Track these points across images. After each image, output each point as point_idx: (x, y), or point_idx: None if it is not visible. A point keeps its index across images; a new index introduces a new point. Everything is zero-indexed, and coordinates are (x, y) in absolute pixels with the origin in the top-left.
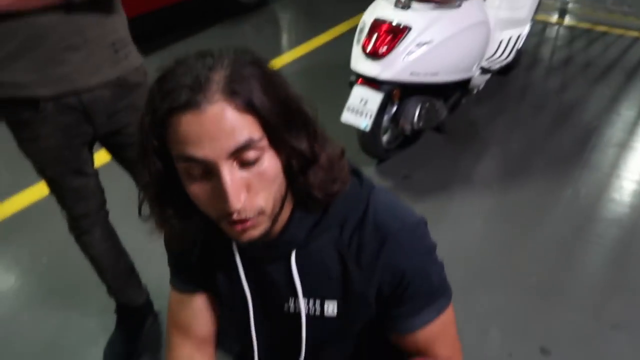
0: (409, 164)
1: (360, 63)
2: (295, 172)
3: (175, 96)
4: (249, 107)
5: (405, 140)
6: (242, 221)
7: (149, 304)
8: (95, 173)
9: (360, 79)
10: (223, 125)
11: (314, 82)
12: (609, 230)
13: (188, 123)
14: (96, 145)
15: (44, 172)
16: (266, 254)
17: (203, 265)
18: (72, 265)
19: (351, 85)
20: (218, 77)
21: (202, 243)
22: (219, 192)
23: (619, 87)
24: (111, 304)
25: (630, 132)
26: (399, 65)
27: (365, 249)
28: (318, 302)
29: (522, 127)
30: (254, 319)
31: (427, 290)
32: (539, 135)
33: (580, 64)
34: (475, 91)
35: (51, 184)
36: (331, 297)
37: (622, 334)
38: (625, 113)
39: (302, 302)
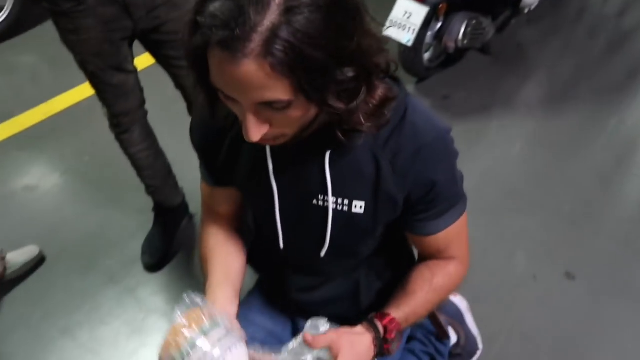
0: (449, 84)
1: None
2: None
3: (215, 27)
4: (286, 70)
5: (447, 59)
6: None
7: (184, 205)
8: (135, 71)
9: None
10: (254, 82)
11: None
12: None
13: (222, 63)
14: (137, 48)
15: (85, 66)
16: (299, 152)
17: (230, 161)
18: (112, 165)
19: None
20: (265, 22)
21: (233, 139)
22: (244, 119)
23: None
24: (149, 204)
25: None
26: None
27: (401, 154)
28: (347, 201)
29: (573, 52)
30: (280, 209)
31: (452, 196)
32: (590, 62)
33: None
34: (526, 10)
35: (93, 79)
36: (360, 198)
37: None
38: None
39: (331, 199)
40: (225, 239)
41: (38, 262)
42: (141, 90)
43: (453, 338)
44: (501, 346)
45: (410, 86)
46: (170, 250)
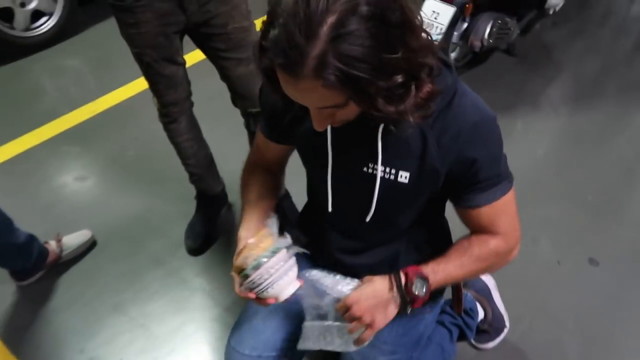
0: (475, 83)
1: None
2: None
3: (275, 53)
4: (337, 85)
5: (474, 59)
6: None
7: (224, 194)
8: (184, 63)
9: None
10: (311, 94)
11: None
12: None
13: (285, 81)
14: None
15: (141, 58)
16: (357, 123)
17: (293, 126)
18: (155, 159)
19: None
20: (314, 51)
21: (299, 109)
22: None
23: None
24: (190, 194)
25: None
26: None
27: (447, 132)
28: (394, 170)
29: (598, 52)
30: (333, 173)
31: (495, 174)
32: (615, 62)
33: None
34: (551, 11)
35: (147, 70)
36: (406, 169)
37: None
38: None
39: (379, 168)
40: (265, 175)
41: (91, 245)
42: (188, 82)
43: (480, 313)
44: (527, 326)
45: None
46: (212, 236)
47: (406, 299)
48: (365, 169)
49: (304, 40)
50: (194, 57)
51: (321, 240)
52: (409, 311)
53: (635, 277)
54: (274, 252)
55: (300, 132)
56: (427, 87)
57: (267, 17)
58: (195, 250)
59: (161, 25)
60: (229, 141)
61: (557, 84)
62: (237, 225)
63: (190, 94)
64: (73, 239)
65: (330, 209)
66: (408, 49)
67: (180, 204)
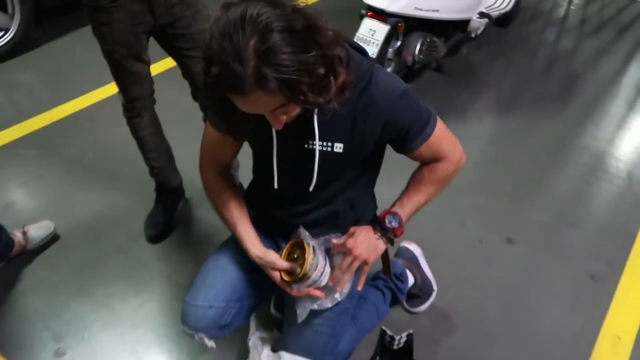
0: None
1: None
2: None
3: (222, 84)
4: (277, 89)
5: (408, 74)
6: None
7: (182, 188)
8: (149, 62)
9: (370, 12)
10: (261, 102)
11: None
12: (578, 156)
13: (237, 99)
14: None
15: (111, 54)
16: None
17: (241, 114)
18: (114, 161)
19: (361, 17)
20: (249, 69)
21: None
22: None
23: (609, 41)
24: (148, 191)
25: (612, 80)
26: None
27: (371, 108)
28: (329, 143)
29: (516, 70)
30: (277, 153)
31: (420, 124)
32: (530, 78)
33: (576, 20)
34: (473, 34)
35: (116, 66)
36: (339, 141)
37: (577, 231)
38: (608, 64)
39: (317, 143)
40: (230, 187)
41: (54, 236)
42: (152, 81)
43: (410, 279)
44: (454, 294)
45: None
46: (170, 225)
47: (388, 234)
48: (306, 145)
49: (239, 65)
50: (154, 69)
51: (269, 212)
52: (394, 242)
53: (544, 253)
54: (314, 254)
55: (248, 121)
56: (343, 77)
57: (204, 60)
58: (155, 237)
59: (131, 24)
60: (186, 143)
61: (481, 97)
62: (194, 217)
63: (153, 91)
64: (36, 230)
65: (276, 185)
66: (319, 46)
67: (140, 198)
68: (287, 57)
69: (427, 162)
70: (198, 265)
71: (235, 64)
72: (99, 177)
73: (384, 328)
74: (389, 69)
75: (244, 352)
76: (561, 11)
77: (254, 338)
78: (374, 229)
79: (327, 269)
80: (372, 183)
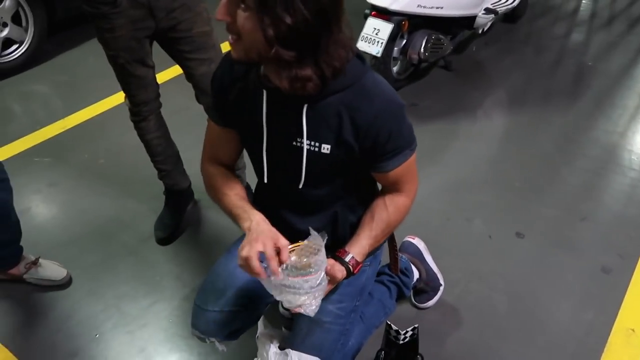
0: (417, 94)
1: None
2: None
3: None
4: None
5: (414, 73)
6: (231, 37)
7: (191, 190)
8: (154, 66)
9: (373, 12)
10: None
11: None
12: (589, 149)
13: None
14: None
15: (115, 60)
16: (286, 104)
17: (236, 105)
18: (125, 166)
19: (366, 17)
20: None
21: (240, 89)
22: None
23: (620, 34)
24: (158, 194)
25: (623, 72)
26: None
27: (359, 113)
28: (317, 143)
29: (525, 66)
30: (267, 149)
31: (398, 146)
32: (538, 74)
33: (587, 14)
34: (480, 31)
35: (121, 71)
36: (327, 142)
37: (588, 224)
38: (619, 57)
39: (305, 141)
40: (230, 176)
41: (61, 285)
42: (157, 85)
43: (415, 274)
44: (462, 288)
45: None
46: (179, 227)
47: (350, 270)
48: (294, 142)
49: None
50: (161, 77)
51: (270, 214)
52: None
53: (553, 246)
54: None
55: (241, 113)
56: (300, 71)
57: None
58: (164, 239)
59: (134, 29)
60: (194, 147)
61: (490, 94)
62: (203, 218)
63: (158, 95)
64: (45, 269)
65: (265, 180)
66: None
67: (149, 202)
68: None
69: (386, 188)
70: (207, 265)
71: None
72: (110, 182)
73: (389, 323)
74: (395, 68)
75: (254, 350)
76: (571, 5)
77: (262, 335)
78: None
79: (324, 283)
80: (374, 192)
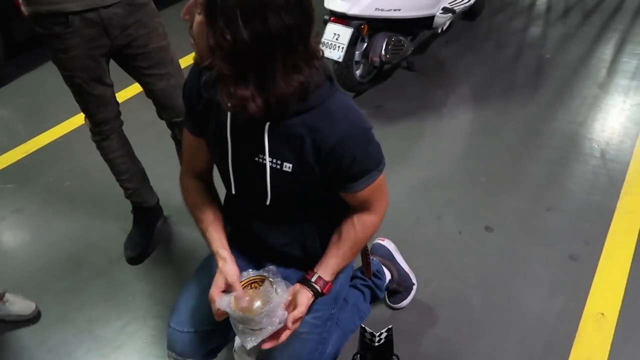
0: (381, 96)
1: (332, 2)
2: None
3: None
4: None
5: (378, 75)
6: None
7: (159, 207)
8: (112, 84)
9: (332, 17)
10: None
11: None
12: (552, 140)
13: None
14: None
15: (72, 80)
16: (250, 121)
17: (203, 116)
18: (91, 187)
19: (325, 23)
20: None
21: (206, 100)
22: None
23: (575, 25)
24: (126, 213)
25: (580, 63)
26: (365, 1)
27: (320, 134)
28: (279, 161)
29: (486, 62)
30: (232, 162)
31: (365, 169)
32: (500, 68)
33: (542, 7)
34: (439, 30)
35: (79, 91)
36: (288, 161)
37: (554, 213)
38: (576, 48)
39: (267, 158)
40: (207, 191)
41: (30, 319)
42: (117, 103)
43: (387, 275)
44: (435, 286)
45: None
46: (150, 245)
47: (318, 291)
48: (256, 158)
49: None
50: (124, 95)
51: (242, 226)
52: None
53: (523, 238)
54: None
55: (209, 125)
56: (238, 90)
57: None
58: (135, 258)
59: (88, 49)
60: (161, 162)
61: (453, 91)
62: (174, 235)
63: (119, 113)
64: (12, 304)
65: (233, 191)
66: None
67: (118, 221)
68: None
69: (355, 208)
70: (180, 281)
71: None
72: (77, 204)
73: (363, 326)
74: (358, 72)
75: None
76: (527, 0)
77: (240, 349)
78: (308, 289)
79: (276, 320)
80: (345, 208)
